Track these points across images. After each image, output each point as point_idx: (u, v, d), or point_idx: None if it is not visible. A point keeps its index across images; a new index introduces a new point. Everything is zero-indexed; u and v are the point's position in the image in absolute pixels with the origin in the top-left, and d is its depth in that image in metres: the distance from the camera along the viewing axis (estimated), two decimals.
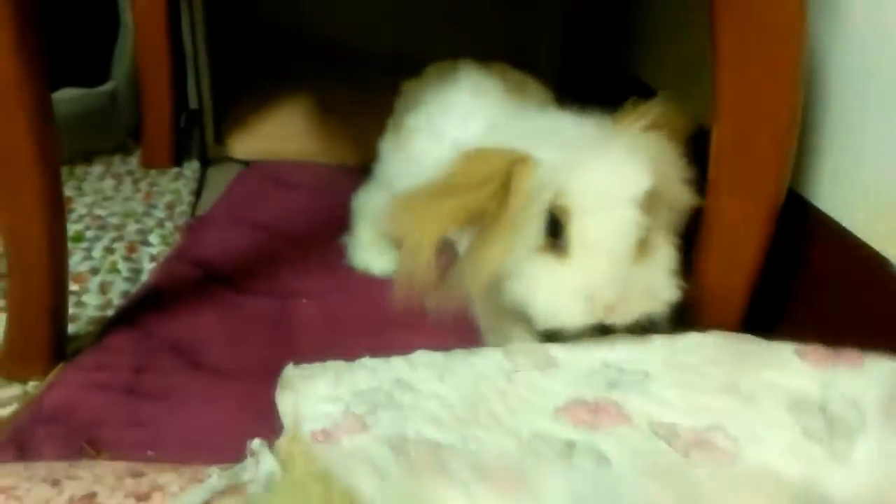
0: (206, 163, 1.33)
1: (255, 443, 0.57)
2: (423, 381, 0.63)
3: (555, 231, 0.63)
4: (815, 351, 0.61)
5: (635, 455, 0.54)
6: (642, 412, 0.58)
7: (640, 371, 0.63)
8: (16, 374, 0.77)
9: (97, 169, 1.23)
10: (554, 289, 0.64)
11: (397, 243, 0.71)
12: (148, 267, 0.99)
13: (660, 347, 0.65)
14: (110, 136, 1.27)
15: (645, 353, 0.65)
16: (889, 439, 0.53)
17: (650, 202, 0.63)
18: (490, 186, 0.64)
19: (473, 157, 0.66)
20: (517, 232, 0.64)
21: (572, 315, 0.63)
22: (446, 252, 0.68)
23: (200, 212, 1.17)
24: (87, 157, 1.26)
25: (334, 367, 0.65)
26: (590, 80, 1.40)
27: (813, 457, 0.53)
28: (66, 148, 1.20)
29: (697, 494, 0.52)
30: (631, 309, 0.63)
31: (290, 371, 0.64)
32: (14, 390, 0.76)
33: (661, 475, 0.53)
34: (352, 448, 0.55)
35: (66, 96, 1.19)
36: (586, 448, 0.55)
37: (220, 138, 1.35)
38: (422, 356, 0.66)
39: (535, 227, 0.64)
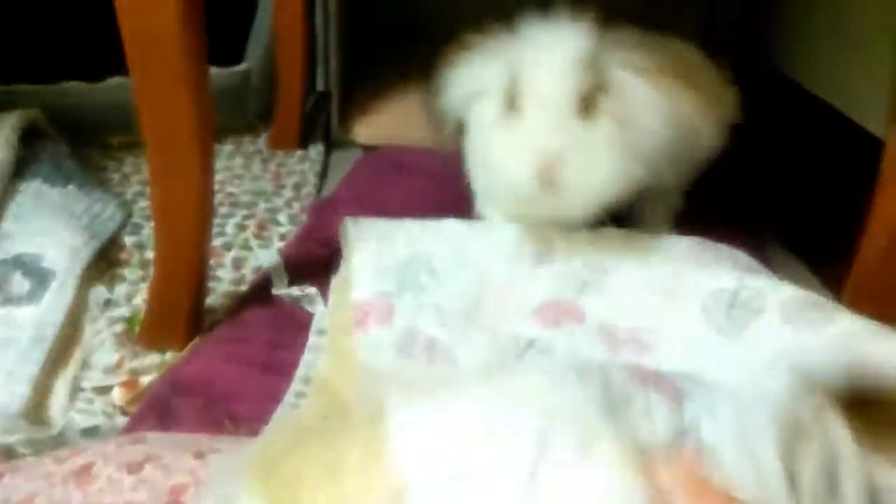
0: (330, 146, 1.34)
1: None
2: (444, 267, 0.77)
3: (511, 104, 0.73)
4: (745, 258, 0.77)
5: (574, 353, 0.69)
6: (596, 313, 0.73)
7: (608, 271, 0.76)
8: (155, 344, 0.79)
9: (228, 147, 1.26)
10: (505, 146, 0.73)
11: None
12: (277, 245, 1.00)
13: (638, 247, 0.78)
14: (241, 115, 1.29)
15: (622, 252, 0.77)
16: (779, 328, 0.66)
17: (592, 65, 0.72)
18: None
19: None
20: None
21: (520, 170, 0.71)
22: None
23: (324, 195, 1.18)
24: (217, 136, 1.28)
25: (382, 230, 0.82)
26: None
27: (707, 342, 0.68)
28: None
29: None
30: (572, 174, 0.70)
31: (350, 228, 0.83)
32: (153, 359, 0.77)
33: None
34: (370, 342, 0.71)
35: None
36: (541, 346, 0.70)
37: (344, 122, 1.35)
38: (449, 226, 0.82)
39: (494, 105, 0.74)
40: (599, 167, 0.71)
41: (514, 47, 0.75)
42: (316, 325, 0.79)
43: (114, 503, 0.54)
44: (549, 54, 0.72)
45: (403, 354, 0.71)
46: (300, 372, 0.73)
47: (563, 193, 0.71)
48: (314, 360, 0.74)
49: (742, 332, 0.68)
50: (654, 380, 0.55)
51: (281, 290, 0.84)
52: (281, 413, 0.67)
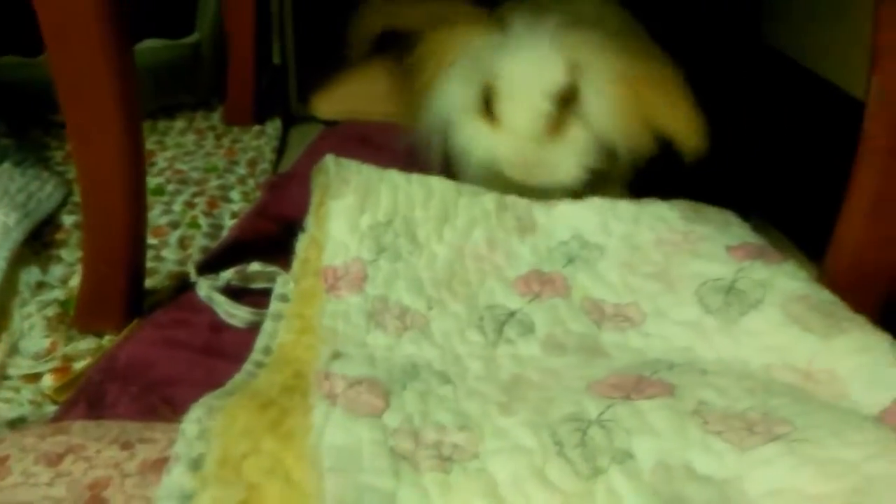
0: (288, 121, 1.28)
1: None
2: (425, 233, 0.75)
3: (489, 102, 0.79)
4: (745, 247, 0.70)
5: (556, 324, 0.66)
6: (582, 287, 0.71)
7: (597, 247, 0.74)
8: (91, 327, 0.73)
9: (179, 124, 1.20)
10: (489, 147, 0.80)
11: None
12: (229, 223, 0.95)
13: (625, 218, 0.76)
14: (193, 89, 1.23)
15: (608, 225, 0.76)
16: (780, 325, 0.60)
17: (565, 95, 0.77)
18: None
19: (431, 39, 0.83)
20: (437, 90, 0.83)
21: (503, 168, 0.80)
22: None
23: (282, 171, 1.13)
24: (170, 112, 1.22)
25: (364, 179, 0.77)
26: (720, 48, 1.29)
27: (700, 323, 0.64)
28: (148, 101, 1.16)
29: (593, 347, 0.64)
30: (541, 177, 0.79)
31: (332, 168, 0.79)
32: (88, 343, 0.72)
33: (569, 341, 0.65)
34: (337, 309, 0.67)
35: (150, 47, 1.15)
36: (521, 318, 0.67)
37: (303, 97, 1.29)
38: (439, 184, 0.78)
39: (471, 94, 0.81)
40: (563, 170, 0.79)
41: (491, 56, 0.79)
42: (277, 290, 0.71)
43: (28, 499, 0.48)
44: (524, 94, 0.77)
45: (374, 323, 0.66)
46: (260, 342, 0.67)
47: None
48: (275, 329, 0.68)
49: (739, 320, 0.63)
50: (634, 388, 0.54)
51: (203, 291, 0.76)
52: (239, 378, 0.61)
